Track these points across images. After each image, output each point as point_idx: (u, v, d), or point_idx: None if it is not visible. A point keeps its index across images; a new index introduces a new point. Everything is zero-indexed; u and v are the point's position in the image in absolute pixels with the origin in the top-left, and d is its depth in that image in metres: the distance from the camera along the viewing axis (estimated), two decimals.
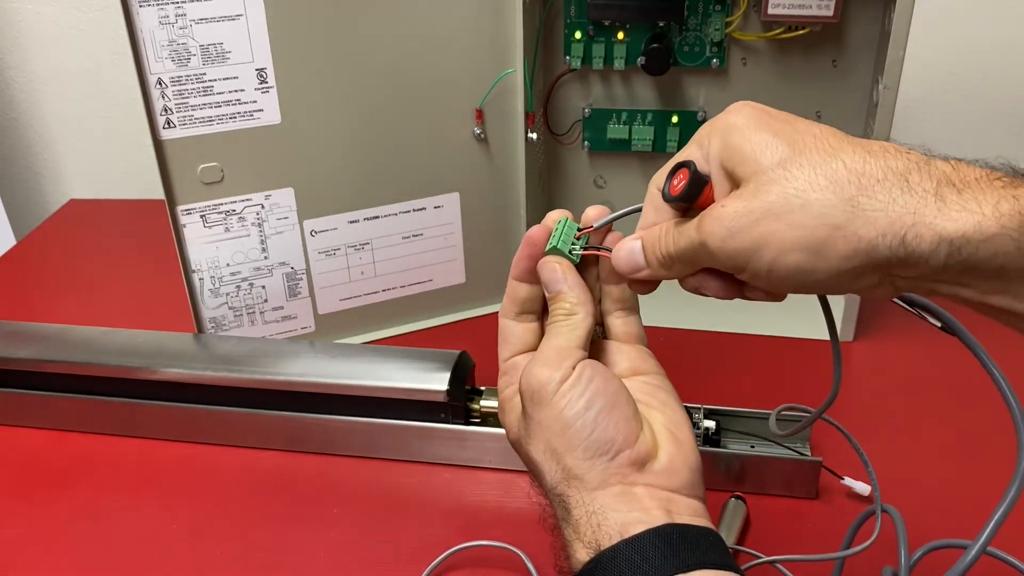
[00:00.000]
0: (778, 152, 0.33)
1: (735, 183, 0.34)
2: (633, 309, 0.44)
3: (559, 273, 0.41)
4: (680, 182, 0.37)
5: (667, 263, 0.38)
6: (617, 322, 0.44)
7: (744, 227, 0.33)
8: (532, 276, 0.42)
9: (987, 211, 0.29)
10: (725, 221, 0.33)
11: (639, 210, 0.41)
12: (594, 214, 0.42)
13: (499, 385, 0.43)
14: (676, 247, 0.37)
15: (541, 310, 0.43)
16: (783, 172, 0.32)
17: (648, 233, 0.39)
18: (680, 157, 0.38)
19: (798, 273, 0.32)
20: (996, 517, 0.33)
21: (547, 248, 0.41)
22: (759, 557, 0.54)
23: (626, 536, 0.35)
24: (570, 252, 0.41)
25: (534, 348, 0.42)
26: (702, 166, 0.36)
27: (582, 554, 0.36)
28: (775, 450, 0.60)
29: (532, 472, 0.40)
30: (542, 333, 0.42)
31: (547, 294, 0.41)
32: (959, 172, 0.30)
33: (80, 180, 1.21)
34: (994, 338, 0.41)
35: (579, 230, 0.42)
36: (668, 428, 0.39)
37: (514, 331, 0.43)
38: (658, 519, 0.35)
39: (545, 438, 0.38)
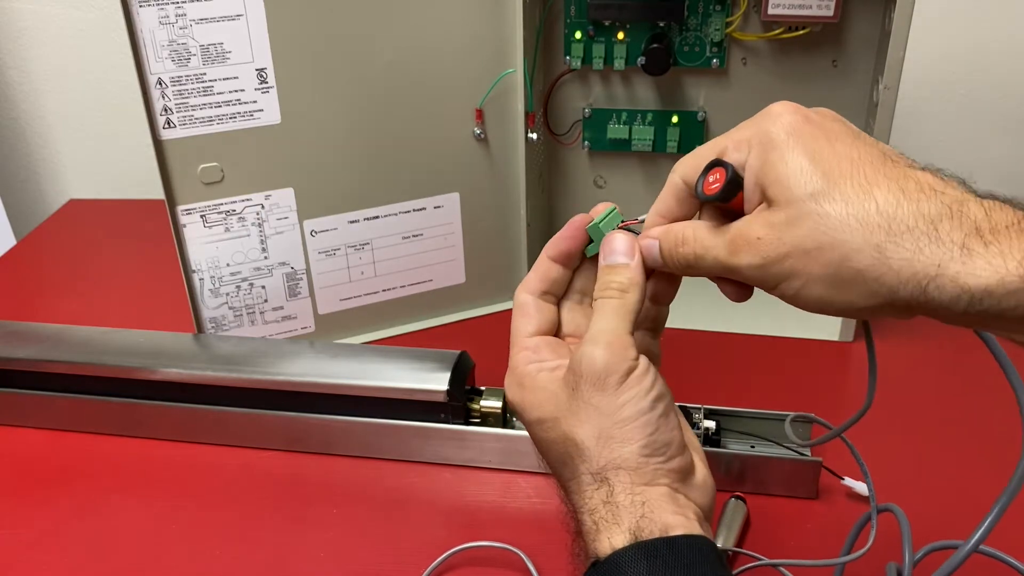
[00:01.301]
0: (812, 183, 0.33)
1: (765, 199, 0.35)
2: (658, 331, 0.44)
3: (627, 245, 0.40)
4: (716, 183, 0.36)
5: (686, 268, 0.38)
6: (645, 340, 0.43)
7: (775, 260, 0.34)
8: (567, 259, 0.42)
9: (1011, 266, 0.29)
10: (759, 251, 0.34)
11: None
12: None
13: (517, 360, 0.41)
14: (700, 259, 0.37)
15: (563, 295, 0.43)
16: (815, 207, 0.32)
17: (667, 235, 0.39)
18: (713, 151, 0.37)
19: (821, 302, 0.34)
20: (990, 518, 0.33)
21: (589, 226, 0.41)
22: (759, 559, 0.54)
23: (667, 535, 0.35)
24: None
25: (554, 331, 0.42)
26: (737, 167, 0.36)
27: (619, 538, 0.35)
28: (775, 450, 0.60)
29: (559, 449, 0.39)
30: (559, 318, 0.42)
31: (604, 263, 0.40)
32: (992, 218, 0.30)
33: (80, 180, 1.21)
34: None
35: (623, 222, 0.41)
36: (694, 449, 0.40)
37: (538, 308, 0.42)
38: (698, 530, 0.36)
39: (600, 424, 0.37)
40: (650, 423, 0.37)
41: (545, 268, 0.42)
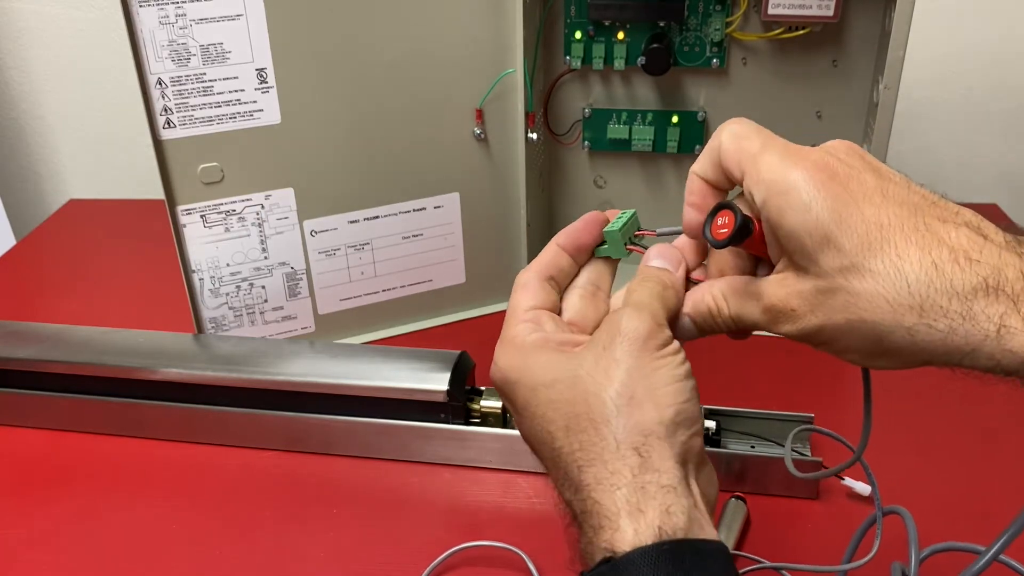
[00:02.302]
0: (839, 258, 0.32)
1: (788, 257, 0.34)
2: None
3: (675, 258, 0.40)
4: (724, 227, 0.35)
5: (718, 329, 0.38)
6: None
7: (813, 331, 0.34)
8: (578, 252, 0.41)
9: None
10: (795, 322, 0.34)
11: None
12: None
13: (515, 330, 0.38)
14: (739, 322, 0.37)
15: (567, 286, 0.41)
16: (844, 283, 0.32)
17: (696, 309, 0.38)
18: (707, 186, 0.37)
19: (864, 363, 0.34)
20: (1013, 528, 0.33)
21: (606, 229, 0.41)
22: (760, 562, 0.54)
23: (691, 536, 0.32)
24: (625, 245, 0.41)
25: (556, 311, 0.40)
26: (750, 211, 0.35)
27: (645, 532, 0.32)
28: (775, 450, 0.60)
29: (571, 412, 0.35)
30: (560, 304, 0.41)
31: (648, 263, 0.40)
32: None
33: (80, 180, 1.21)
34: None
35: (640, 229, 0.41)
36: None
37: (540, 287, 0.40)
38: (714, 532, 0.34)
39: (632, 384, 0.34)
40: (684, 391, 0.35)
41: (553, 254, 0.41)
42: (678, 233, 0.41)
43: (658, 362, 0.35)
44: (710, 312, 0.38)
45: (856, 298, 0.32)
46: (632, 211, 0.41)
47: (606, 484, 0.33)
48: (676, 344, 0.36)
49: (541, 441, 0.36)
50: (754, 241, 0.35)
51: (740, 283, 0.37)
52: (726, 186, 0.37)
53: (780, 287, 0.35)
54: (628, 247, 0.41)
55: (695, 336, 0.39)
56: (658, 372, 0.35)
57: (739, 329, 0.38)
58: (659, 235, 0.41)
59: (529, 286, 0.40)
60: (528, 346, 0.37)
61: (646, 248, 0.41)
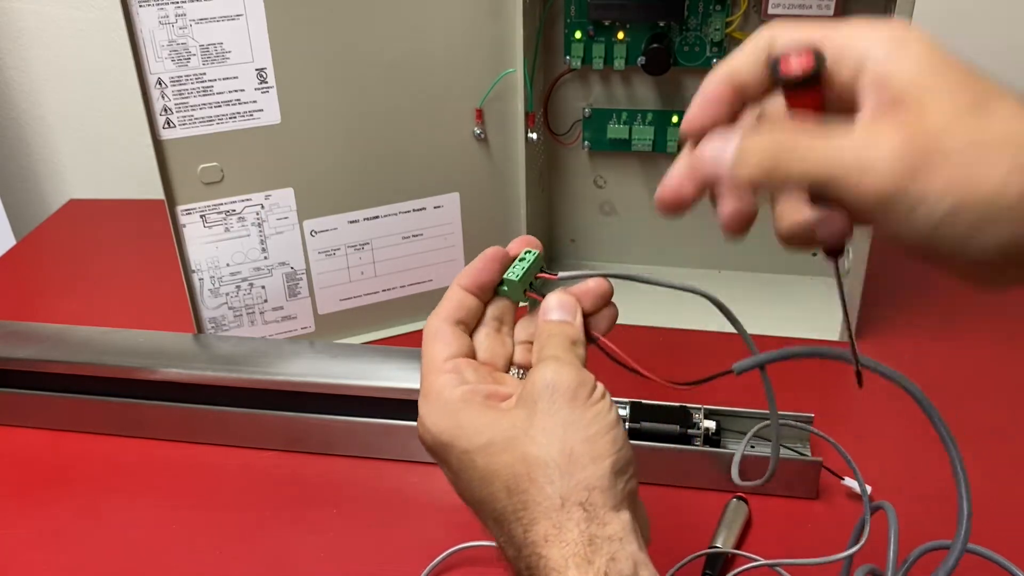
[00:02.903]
0: (969, 95, 0.29)
1: (895, 102, 0.29)
2: None
3: (571, 305, 0.40)
4: (803, 61, 0.30)
5: (772, 181, 0.31)
6: None
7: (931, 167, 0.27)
8: (481, 291, 0.40)
9: None
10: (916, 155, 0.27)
11: (615, 275, 0.40)
12: (590, 292, 0.41)
13: (438, 384, 0.38)
14: (805, 166, 0.30)
15: (476, 325, 0.41)
16: (974, 122, 0.28)
17: (765, 142, 0.31)
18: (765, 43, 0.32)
19: (957, 237, 0.28)
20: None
21: (506, 276, 0.40)
22: (755, 560, 0.54)
23: None
24: (524, 291, 0.41)
25: (472, 356, 0.40)
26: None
27: None
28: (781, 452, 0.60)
29: (509, 474, 0.35)
30: (473, 347, 0.40)
31: (544, 318, 0.39)
32: None
33: (80, 180, 1.21)
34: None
35: (542, 270, 0.41)
36: None
37: (454, 334, 0.40)
38: (654, 573, 0.34)
39: (568, 440, 0.34)
40: (618, 438, 0.35)
41: (459, 297, 0.40)
42: (580, 277, 0.41)
43: (590, 411, 0.35)
44: (779, 149, 0.31)
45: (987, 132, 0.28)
46: (536, 253, 0.41)
47: (553, 540, 0.33)
48: (602, 388, 0.36)
49: (480, 501, 0.36)
50: (812, 100, 0.31)
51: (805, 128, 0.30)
52: (758, 93, 0.34)
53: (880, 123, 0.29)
54: (527, 293, 0.41)
55: (724, 173, 0.34)
56: (593, 422, 0.35)
57: (801, 179, 0.30)
58: (560, 279, 0.41)
59: (441, 333, 0.39)
60: (455, 402, 0.37)
61: (543, 296, 0.40)
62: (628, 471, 0.35)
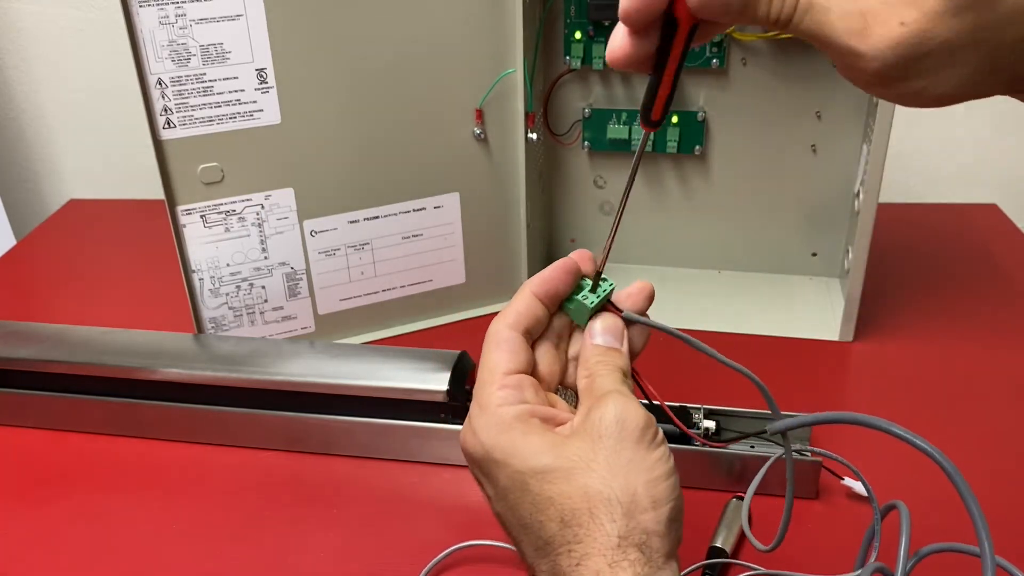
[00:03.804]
0: None
1: None
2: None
3: (620, 332, 0.40)
4: None
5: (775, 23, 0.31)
6: None
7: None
8: (553, 301, 0.40)
9: None
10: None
11: (676, 334, 0.40)
12: (631, 301, 0.41)
13: (496, 398, 0.36)
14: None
15: (540, 336, 0.40)
16: None
17: None
18: None
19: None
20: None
21: (585, 301, 0.40)
22: (753, 568, 0.54)
23: None
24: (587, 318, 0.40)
25: (533, 371, 0.39)
26: None
27: None
28: (775, 450, 0.60)
29: (566, 507, 0.34)
30: (535, 365, 0.39)
31: (598, 342, 0.39)
32: None
33: (80, 180, 1.21)
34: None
35: (610, 304, 0.41)
36: None
37: (520, 345, 0.38)
38: None
39: (633, 480, 0.33)
40: (676, 486, 0.35)
41: (529, 304, 0.39)
42: (642, 323, 0.41)
43: (654, 454, 0.35)
44: None
45: None
46: (612, 284, 0.41)
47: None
48: (662, 435, 0.36)
49: (526, 526, 0.35)
50: None
51: None
52: None
53: None
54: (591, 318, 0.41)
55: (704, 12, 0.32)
56: (655, 467, 0.34)
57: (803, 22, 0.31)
58: (623, 317, 0.41)
59: (509, 343, 0.38)
60: (512, 420, 0.36)
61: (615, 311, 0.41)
62: (679, 519, 0.35)
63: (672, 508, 0.34)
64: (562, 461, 0.34)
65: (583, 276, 0.41)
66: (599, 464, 0.34)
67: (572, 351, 0.41)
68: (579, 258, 0.41)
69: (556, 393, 0.40)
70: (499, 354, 0.38)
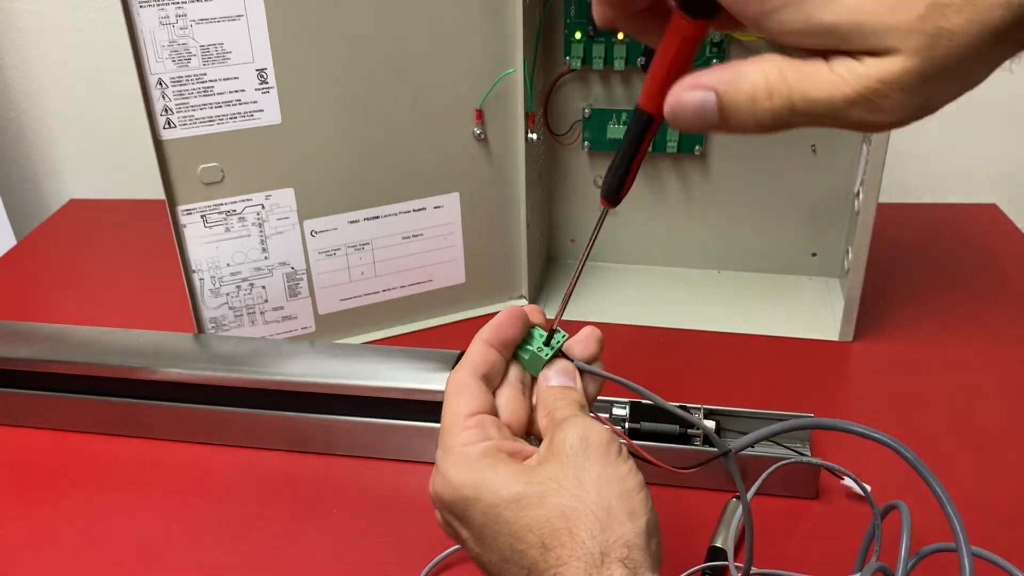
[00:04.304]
0: None
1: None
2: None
3: (571, 371, 0.41)
4: None
5: (775, 120, 0.29)
6: None
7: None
8: (505, 347, 0.41)
9: None
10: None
11: (621, 383, 0.40)
12: (581, 347, 0.42)
13: (460, 439, 0.37)
14: (806, 100, 0.28)
15: (498, 384, 0.41)
16: None
17: (732, 81, 0.29)
18: None
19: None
20: None
21: (540, 352, 0.41)
22: (755, 569, 0.54)
23: None
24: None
25: (494, 413, 0.40)
26: None
27: None
28: (775, 450, 0.60)
29: (544, 530, 0.33)
30: (495, 407, 0.40)
31: (553, 383, 0.40)
32: None
33: (80, 180, 1.21)
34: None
35: (561, 352, 0.42)
36: None
37: (478, 389, 0.39)
38: None
39: (607, 494, 0.34)
40: (648, 499, 0.35)
41: (484, 352, 0.40)
42: (595, 374, 0.41)
43: (623, 467, 0.35)
44: (755, 92, 0.29)
45: None
46: (565, 336, 0.42)
47: None
48: (626, 451, 0.36)
49: (506, 559, 0.35)
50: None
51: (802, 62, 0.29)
52: None
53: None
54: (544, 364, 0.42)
55: (716, 123, 0.30)
56: (627, 478, 0.35)
57: (807, 112, 0.29)
58: (575, 365, 0.42)
59: (468, 388, 0.39)
60: (479, 457, 0.36)
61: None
62: (657, 534, 0.35)
63: (648, 521, 0.34)
64: (534, 487, 0.34)
65: (533, 326, 0.42)
66: (570, 483, 0.34)
67: (536, 400, 0.42)
68: (528, 310, 0.42)
69: (528, 442, 0.40)
70: (459, 399, 0.39)
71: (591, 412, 0.40)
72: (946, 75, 0.28)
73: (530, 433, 0.41)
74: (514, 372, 0.42)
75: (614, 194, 0.37)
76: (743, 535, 0.57)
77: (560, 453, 0.35)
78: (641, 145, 0.35)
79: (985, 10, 0.26)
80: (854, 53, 0.27)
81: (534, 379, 0.42)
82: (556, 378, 0.40)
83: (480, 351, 0.40)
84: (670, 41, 0.32)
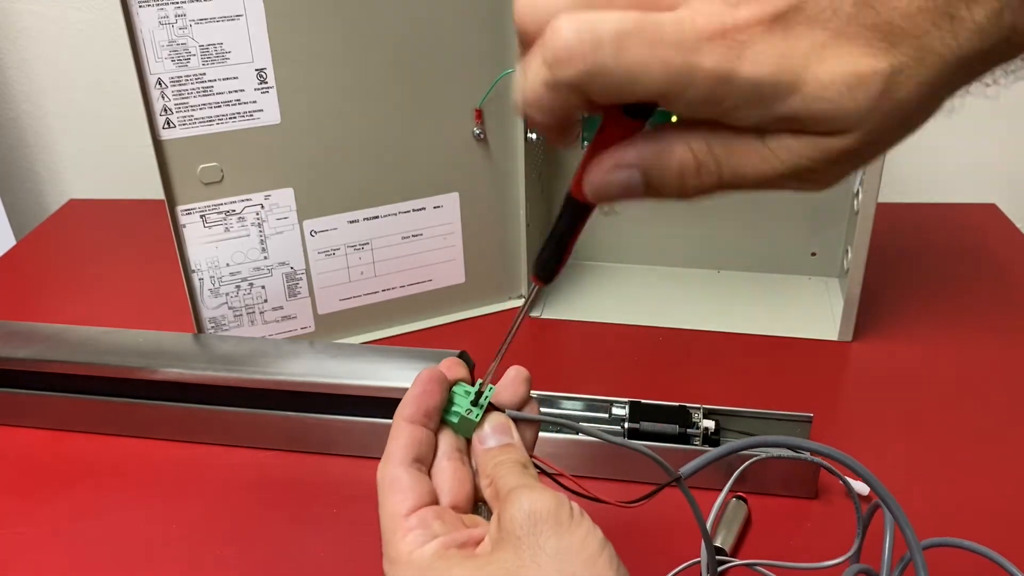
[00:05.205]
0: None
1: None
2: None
3: (505, 426, 0.38)
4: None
5: (702, 192, 0.29)
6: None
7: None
8: (429, 419, 0.38)
9: None
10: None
11: (558, 422, 0.38)
12: (510, 393, 0.39)
13: (405, 544, 0.34)
14: (735, 175, 0.28)
15: (432, 460, 0.38)
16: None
17: (657, 157, 0.29)
18: None
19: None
20: None
21: (468, 416, 0.38)
22: (750, 564, 0.54)
23: None
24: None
25: (435, 500, 0.37)
26: None
27: None
28: (775, 450, 0.60)
29: None
30: (435, 492, 0.37)
31: (485, 446, 0.38)
32: None
33: (80, 180, 1.21)
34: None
35: (491, 405, 0.39)
36: None
37: (411, 480, 0.36)
38: None
39: (567, 567, 0.32)
40: (613, 557, 0.33)
41: (408, 433, 0.37)
42: (526, 420, 0.39)
43: (578, 532, 0.33)
44: (683, 170, 0.29)
45: None
46: (493, 389, 0.39)
47: None
48: (578, 507, 0.34)
49: None
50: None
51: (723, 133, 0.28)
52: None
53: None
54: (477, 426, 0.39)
55: (640, 193, 0.30)
56: (586, 544, 0.33)
57: (722, 189, 0.29)
58: (508, 414, 0.39)
59: (399, 482, 0.36)
60: (431, 561, 0.33)
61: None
62: None
63: None
64: None
65: (455, 382, 0.40)
66: (529, 568, 0.32)
67: (475, 465, 0.39)
68: (445, 366, 0.40)
69: (478, 511, 0.38)
70: (393, 497, 0.36)
71: (533, 459, 0.38)
72: (888, 136, 0.28)
73: (479, 499, 0.39)
74: (447, 440, 0.39)
75: (548, 273, 0.36)
76: (742, 534, 0.57)
77: (511, 536, 0.33)
78: (575, 229, 0.35)
79: (933, 67, 0.26)
80: (805, 132, 0.27)
81: (469, 440, 0.39)
82: (492, 438, 0.38)
83: (404, 433, 0.37)
84: (609, 135, 0.31)
